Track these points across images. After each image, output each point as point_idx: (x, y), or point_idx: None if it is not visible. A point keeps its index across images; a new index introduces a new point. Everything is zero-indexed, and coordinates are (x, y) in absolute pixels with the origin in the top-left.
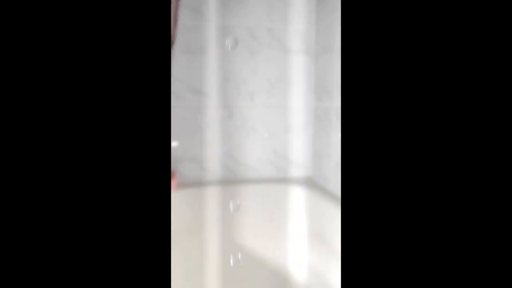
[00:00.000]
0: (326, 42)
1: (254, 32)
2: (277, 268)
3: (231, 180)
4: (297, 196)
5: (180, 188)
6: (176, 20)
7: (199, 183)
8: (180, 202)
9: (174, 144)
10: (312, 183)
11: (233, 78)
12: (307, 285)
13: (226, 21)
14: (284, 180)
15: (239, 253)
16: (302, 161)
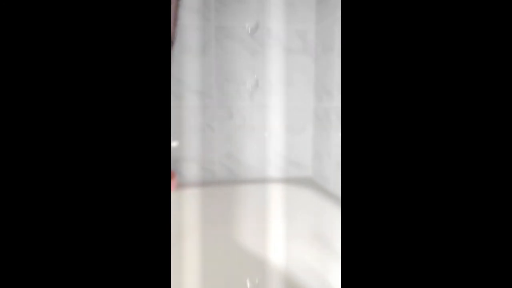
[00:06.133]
0: (326, 42)
1: (254, 32)
2: (276, 267)
3: (231, 180)
4: (297, 196)
5: (180, 188)
6: (176, 20)
7: (199, 183)
8: (180, 202)
9: (174, 144)
10: (312, 183)
11: (233, 78)
12: (307, 285)
13: (226, 21)
14: (284, 180)
15: (239, 253)
16: (302, 161)
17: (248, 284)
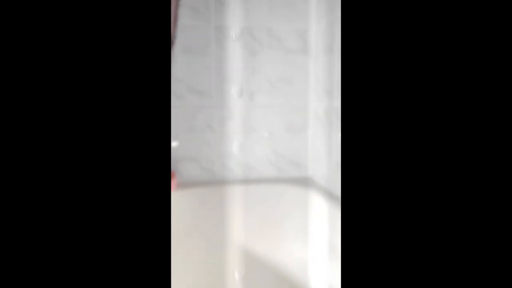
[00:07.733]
0: (326, 42)
1: (254, 32)
2: (277, 268)
3: (231, 180)
4: (297, 196)
5: (180, 188)
6: (176, 20)
7: (199, 183)
8: (180, 202)
9: (174, 144)
10: (312, 183)
11: (233, 78)
12: (307, 285)
13: (226, 21)
14: (284, 180)
15: (240, 253)
16: (302, 161)
17: (236, 277)
